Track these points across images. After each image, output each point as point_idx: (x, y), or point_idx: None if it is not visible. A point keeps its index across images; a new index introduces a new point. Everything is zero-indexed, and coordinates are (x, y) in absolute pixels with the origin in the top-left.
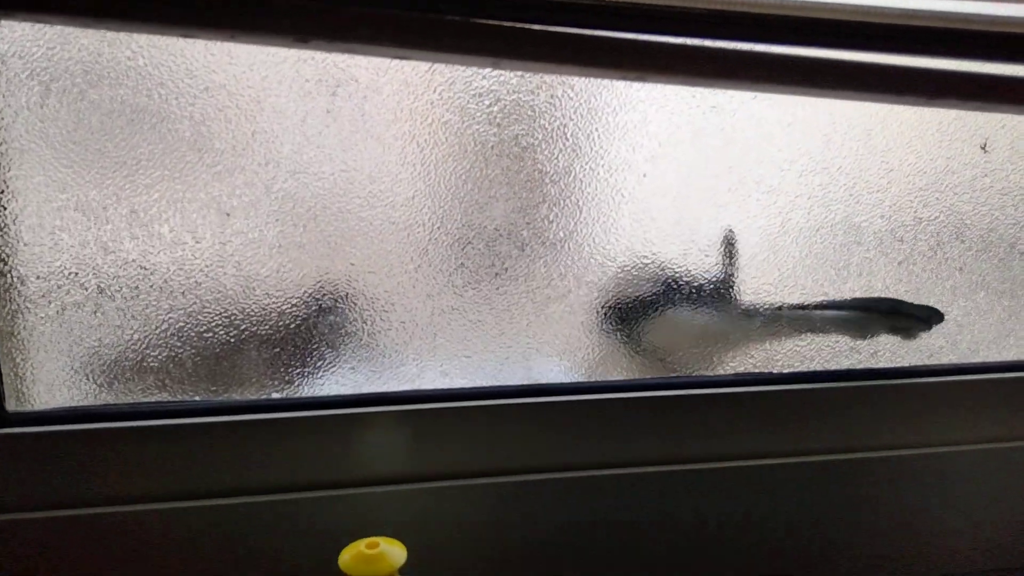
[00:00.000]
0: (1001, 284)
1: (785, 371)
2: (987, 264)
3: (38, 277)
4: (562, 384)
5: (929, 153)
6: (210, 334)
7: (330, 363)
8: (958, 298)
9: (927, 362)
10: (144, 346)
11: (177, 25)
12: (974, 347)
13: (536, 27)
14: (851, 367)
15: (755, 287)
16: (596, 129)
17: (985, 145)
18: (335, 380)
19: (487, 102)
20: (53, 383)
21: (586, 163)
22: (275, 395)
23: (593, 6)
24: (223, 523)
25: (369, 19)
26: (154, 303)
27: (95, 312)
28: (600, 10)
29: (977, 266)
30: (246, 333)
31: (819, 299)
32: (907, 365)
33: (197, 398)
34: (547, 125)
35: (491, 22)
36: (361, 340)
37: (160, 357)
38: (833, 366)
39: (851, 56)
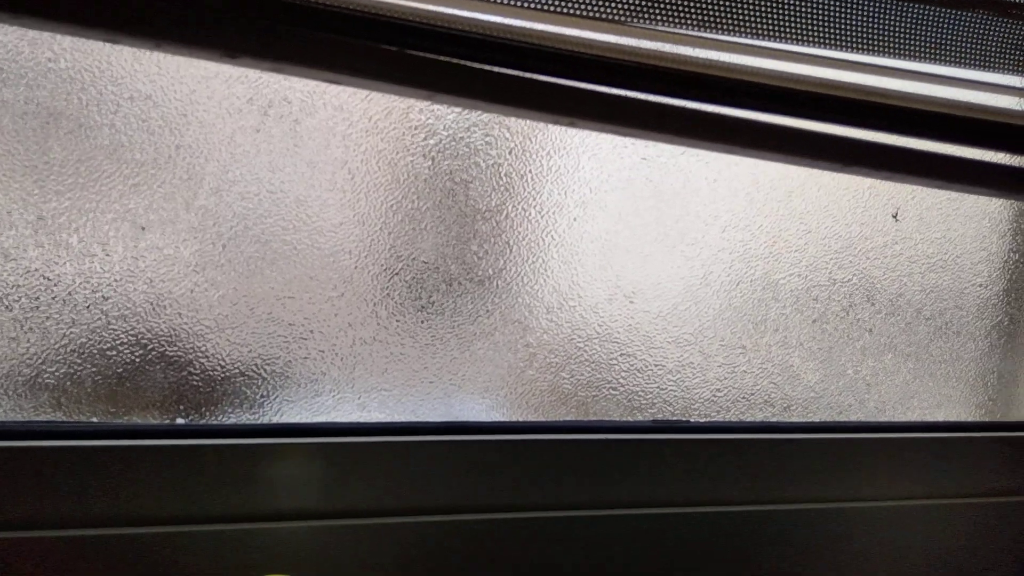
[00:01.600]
0: (907, 347)
1: (702, 420)
2: (895, 327)
3: None
4: (483, 423)
5: (845, 218)
6: (113, 352)
7: (240, 390)
8: (867, 358)
9: (836, 418)
10: (40, 361)
11: (102, 28)
12: (880, 406)
13: (473, 64)
14: (764, 419)
15: (676, 336)
16: (530, 170)
17: (896, 214)
18: (247, 408)
19: (423, 135)
20: None
21: (518, 203)
22: (179, 420)
23: (531, 50)
24: (111, 555)
25: (302, 40)
26: (55, 316)
27: None
28: (537, 54)
29: (885, 328)
30: (153, 353)
31: (737, 351)
32: (816, 420)
33: (94, 419)
34: (481, 163)
35: (427, 55)
36: (275, 368)
37: (57, 374)
38: (747, 417)
39: (774, 119)
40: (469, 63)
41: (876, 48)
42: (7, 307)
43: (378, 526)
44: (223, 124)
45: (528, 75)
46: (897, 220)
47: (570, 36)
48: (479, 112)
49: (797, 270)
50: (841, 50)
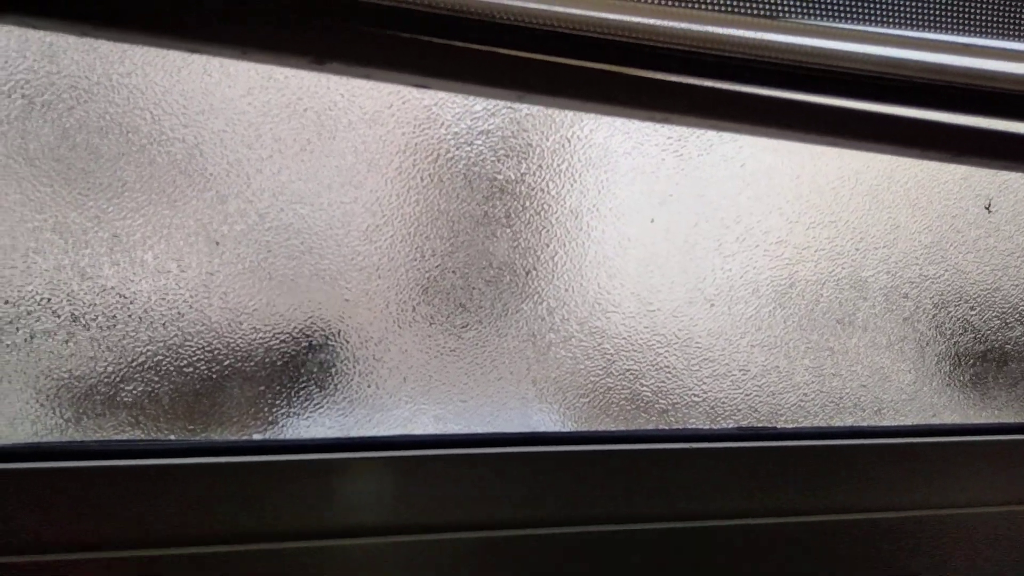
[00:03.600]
0: (1006, 345)
1: (789, 427)
2: (990, 324)
3: (6, 302)
4: (559, 433)
5: (934, 211)
6: (190, 369)
7: (317, 404)
8: (962, 357)
9: (929, 421)
10: (118, 379)
11: (185, 39)
12: (979, 408)
13: (560, 60)
14: (854, 424)
15: (760, 339)
16: (605, 172)
17: (989, 205)
18: (322, 422)
19: (494, 139)
20: (16, 416)
21: (593, 205)
22: (257, 436)
23: (623, 44)
24: (191, 571)
25: (390, 44)
26: (132, 334)
27: (67, 341)
28: (628, 48)
29: (980, 325)
30: (229, 369)
31: (824, 353)
32: (910, 424)
33: (172, 437)
34: (556, 166)
35: (515, 52)
36: (351, 380)
37: (135, 392)
38: (836, 422)
39: (872, 107)
40: (557, 59)
41: (955, 25)
42: (84, 326)
43: (449, 541)
44: (294, 136)
45: (618, 69)
46: (990, 211)
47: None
48: (535, 109)
49: (885, 267)
50: (918, 30)
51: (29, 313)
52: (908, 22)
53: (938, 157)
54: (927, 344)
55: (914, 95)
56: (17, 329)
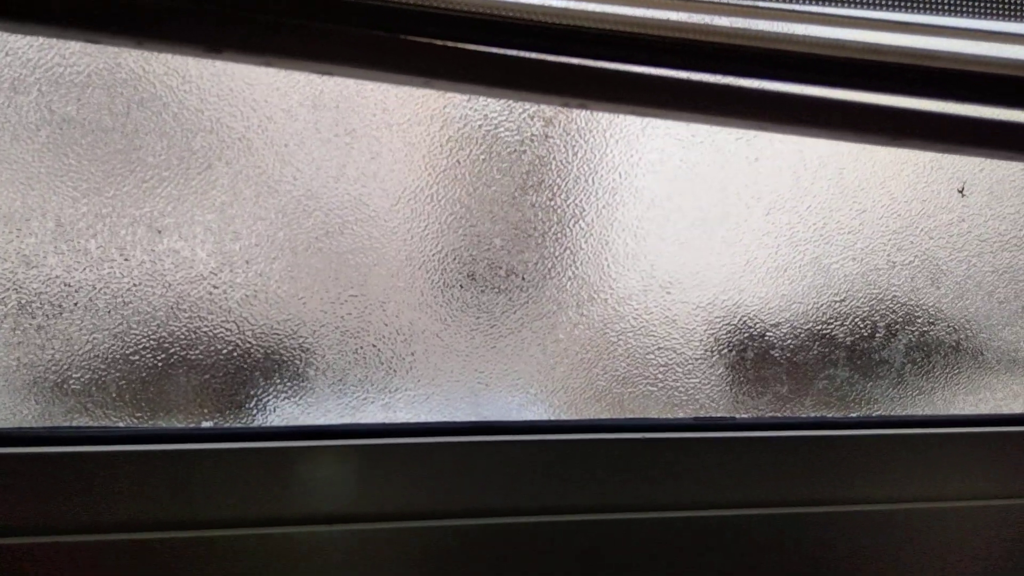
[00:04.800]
0: (979, 333)
1: (748, 416)
2: (963, 312)
3: None
4: (512, 422)
5: (904, 195)
6: (136, 357)
7: (264, 392)
8: (927, 345)
9: (898, 412)
10: (66, 367)
11: (82, 29)
12: (949, 399)
13: (467, 47)
14: (818, 415)
15: (717, 327)
16: (554, 157)
17: (963, 189)
18: (269, 410)
19: (438, 125)
20: None
21: (542, 192)
22: (205, 424)
23: (538, 28)
24: (139, 557)
25: (287, 30)
26: (78, 322)
27: (14, 330)
28: (546, 33)
29: (953, 313)
30: (175, 357)
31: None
32: (875, 416)
33: (120, 424)
34: (501, 151)
35: (421, 40)
36: (297, 369)
37: (83, 380)
38: (797, 413)
39: (813, 91)
40: (469, 46)
41: (925, 5)
42: (31, 315)
43: (402, 530)
44: (235, 123)
45: (533, 55)
46: (964, 195)
47: (584, 11)
48: (492, 99)
49: (851, 253)
50: (886, 10)
51: None
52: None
53: (877, 140)
54: (895, 334)
55: (853, 76)
56: None
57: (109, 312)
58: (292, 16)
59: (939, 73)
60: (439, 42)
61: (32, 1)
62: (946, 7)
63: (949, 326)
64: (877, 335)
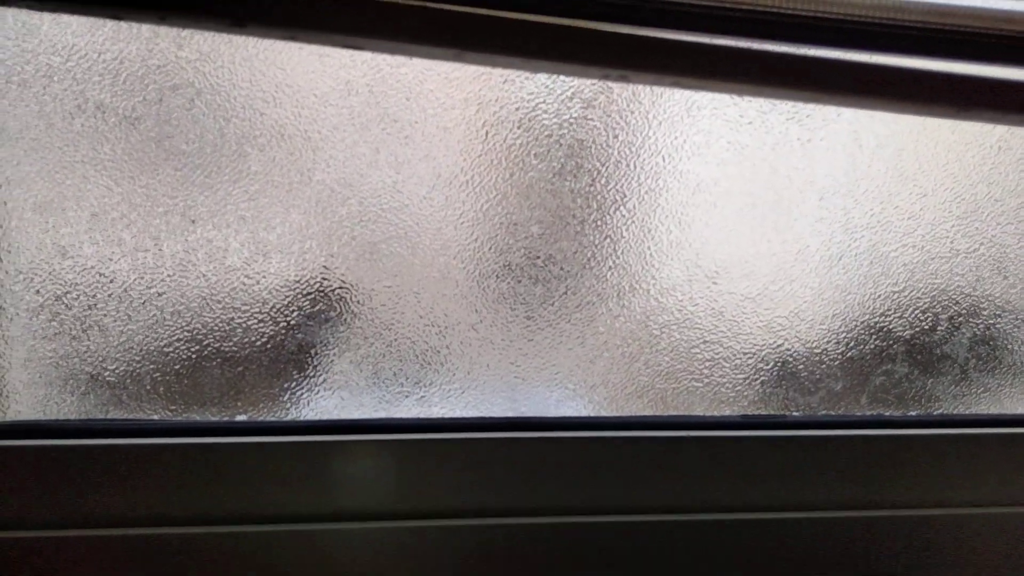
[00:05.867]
0: None
1: (799, 415)
2: None
3: None
4: (550, 418)
5: (968, 178)
6: (171, 349)
7: (319, 383)
8: (996, 339)
9: (959, 411)
10: (101, 359)
11: (106, 5)
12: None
13: (499, 14)
14: (875, 413)
15: (767, 320)
16: (594, 141)
17: None
18: (303, 404)
19: (474, 109)
20: (3, 394)
21: (581, 177)
22: (239, 418)
23: None
24: (168, 552)
25: (311, 2)
26: (112, 313)
27: (50, 321)
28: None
29: (1022, 304)
30: (209, 349)
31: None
32: (936, 414)
33: (155, 417)
34: (539, 135)
35: (452, 7)
36: (332, 363)
37: (118, 371)
38: (854, 411)
39: (873, 59)
40: (501, 13)
41: None
42: (67, 305)
43: (437, 528)
44: (268, 109)
45: (570, 22)
46: None
47: None
48: (528, 79)
49: (911, 240)
50: None
51: (13, 293)
52: None
53: (941, 113)
54: (959, 327)
55: (914, 42)
56: (1, 308)
57: (144, 303)
58: None
59: (1011, 39)
60: (469, 9)
61: None
62: None
63: (1017, 318)
64: (939, 328)
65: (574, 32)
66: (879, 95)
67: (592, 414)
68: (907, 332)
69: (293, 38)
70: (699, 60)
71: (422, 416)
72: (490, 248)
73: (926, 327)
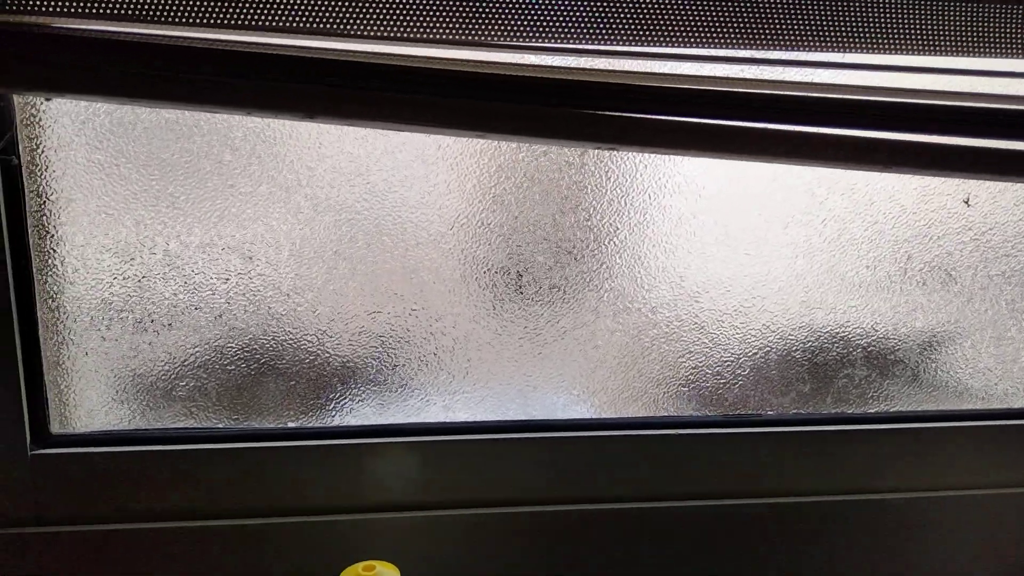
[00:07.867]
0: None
1: (773, 413)
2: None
3: (82, 312)
4: (558, 420)
5: (913, 207)
6: (232, 367)
7: (358, 395)
8: (953, 341)
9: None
10: (174, 376)
11: (203, 104)
12: (961, 394)
13: (512, 107)
14: (839, 411)
15: (743, 332)
16: (589, 183)
17: (968, 200)
18: (346, 411)
19: (485, 157)
20: (92, 408)
21: (580, 213)
22: (291, 424)
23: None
24: (237, 541)
25: (366, 100)
26: (184, 338)
27: (131, 345)
28: (580, 90)
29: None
30: (265, 366)
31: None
32: (896, 411)
33: (220, 425)
34: (541, 178)
35: (473, 102)
36: (368, 375)
37: (187, 387)
38: (821, 409)
39: (809, 129)
40: (513, 106)
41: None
42: (144, 329)
43: (462, 516)
44: (315, 164)
45: (569, 110)
46: (969, 205)
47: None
48: None
49: (864, 261)
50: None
51: (103, 318)
52: (829, 45)
53: (871, 168)
54: (909, 335)
55: (840, 114)
56: (91, 335)
57: (208, 327)
58: (368, 87)
59: (923, 108)
60: (494, 104)
61: (159, 81)
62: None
63: (960, 327)
64: (892, 337)
65: (570, 116)
66: (816, 157)
67: (594, 416)
68: (864, 340)
69: (351, 124)
70: (678, 135)
71: (447, 420)
72: (502, 276)
73: (881, 335)
